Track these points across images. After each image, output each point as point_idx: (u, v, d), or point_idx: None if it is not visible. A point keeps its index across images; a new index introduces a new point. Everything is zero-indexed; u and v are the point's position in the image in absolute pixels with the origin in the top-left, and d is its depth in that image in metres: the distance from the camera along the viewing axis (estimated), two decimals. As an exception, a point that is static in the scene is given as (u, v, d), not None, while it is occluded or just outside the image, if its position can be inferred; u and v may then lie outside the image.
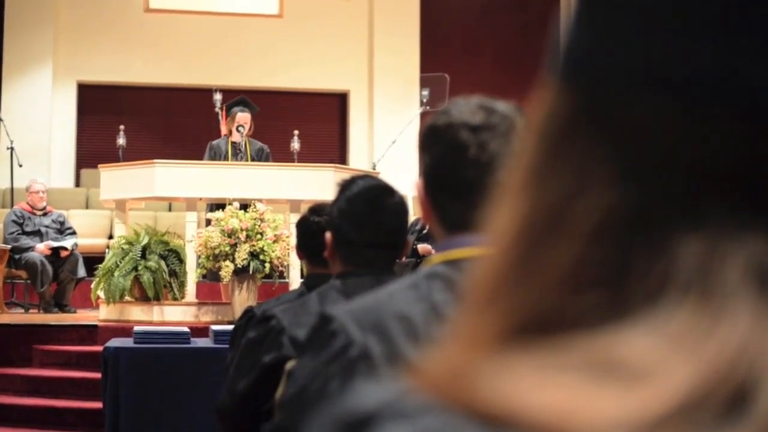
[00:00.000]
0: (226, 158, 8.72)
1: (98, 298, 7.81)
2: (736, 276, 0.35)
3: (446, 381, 0.37)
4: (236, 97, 9.15)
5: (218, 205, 7.84)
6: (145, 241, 7.60)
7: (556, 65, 0.40)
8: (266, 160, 8.79)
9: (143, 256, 7.52)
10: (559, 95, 0.39)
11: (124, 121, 11.09)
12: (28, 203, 9.46)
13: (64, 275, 9.05)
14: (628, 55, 0.37)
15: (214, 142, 8.99)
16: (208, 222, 7.73)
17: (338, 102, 13.48)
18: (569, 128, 0.39)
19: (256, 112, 8.98)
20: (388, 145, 11.03)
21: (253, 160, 8.70)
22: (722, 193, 0.35)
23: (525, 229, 0.39)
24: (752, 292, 0.34)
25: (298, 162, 9.34)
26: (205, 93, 10.77)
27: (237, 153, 8.80)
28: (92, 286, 7.91)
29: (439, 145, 1.40)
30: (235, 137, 8.81)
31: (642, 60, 0.36)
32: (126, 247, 7.61)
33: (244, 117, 8.79)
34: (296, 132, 10.06)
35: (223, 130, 9.11)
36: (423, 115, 10.53)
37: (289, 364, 2.08)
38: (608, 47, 0.37)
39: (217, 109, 9.39)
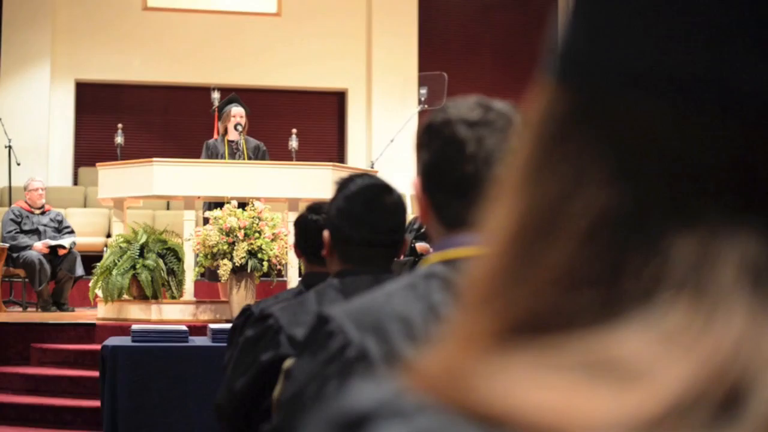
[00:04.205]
0: (223, 158, 8.66)
1: (96, 296, 7.80)
2: (729, 275, 0.35)
3: (442, 380, 0.37)
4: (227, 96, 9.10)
5: (216, 204, 7.82)
6: (143, 239, 7.59)
7: (553, 64, 0.40)
8: (263, 157, 8.73)
9: (141, 255, 7.52)
10: (555, 94, 0.39)
11: (123, 119, 11.09)
12: (26, 201, 9.45)
13: (62, 274, 9.04)
14: (623, 55, 0.37)
15: (210, 142, 8.88)
16: (206, 220, 7.72)
17: (336, 100, 13.47)
18: (565, 128, 0.39)
19: (247, 112, 8.92)
20: (386, 143, 11.03)
21: (249, 158, 8.66)
22: (715, 193, 0.35)
23: (520, 229, 0.39)
24: (746, 290, 0.34)
25: (297, 160, 9.32)
26: (204, 91, 10.76)
27: (234, 152, 8.72)
28: (90, 284, 7.90)
29: (437, 142, 1.39)
30: (233, 135, 8.71)
31: (637, 60, 0.36)
32: (124, 245, 7.61)
33: (239, 111, 8.70)
34: (294, 130, 10.05)
35: (220, 129, 9.01)
36: (421, 114, 10.52)
37: (287, 363, 2.08)
38: (604, 47, 0.37)
39: (212, 109, 9.35)
